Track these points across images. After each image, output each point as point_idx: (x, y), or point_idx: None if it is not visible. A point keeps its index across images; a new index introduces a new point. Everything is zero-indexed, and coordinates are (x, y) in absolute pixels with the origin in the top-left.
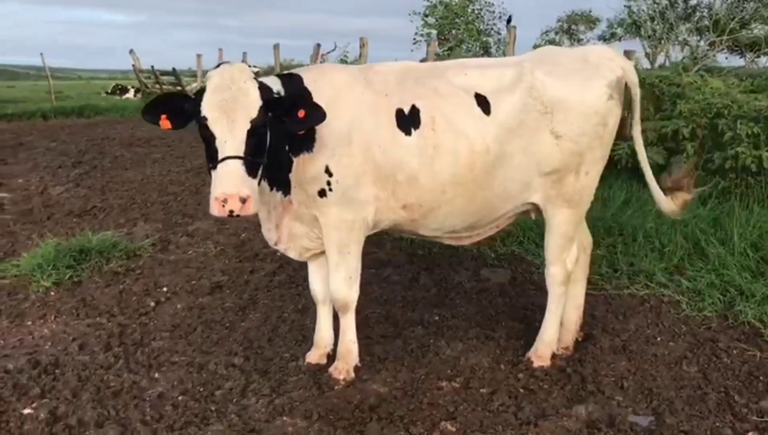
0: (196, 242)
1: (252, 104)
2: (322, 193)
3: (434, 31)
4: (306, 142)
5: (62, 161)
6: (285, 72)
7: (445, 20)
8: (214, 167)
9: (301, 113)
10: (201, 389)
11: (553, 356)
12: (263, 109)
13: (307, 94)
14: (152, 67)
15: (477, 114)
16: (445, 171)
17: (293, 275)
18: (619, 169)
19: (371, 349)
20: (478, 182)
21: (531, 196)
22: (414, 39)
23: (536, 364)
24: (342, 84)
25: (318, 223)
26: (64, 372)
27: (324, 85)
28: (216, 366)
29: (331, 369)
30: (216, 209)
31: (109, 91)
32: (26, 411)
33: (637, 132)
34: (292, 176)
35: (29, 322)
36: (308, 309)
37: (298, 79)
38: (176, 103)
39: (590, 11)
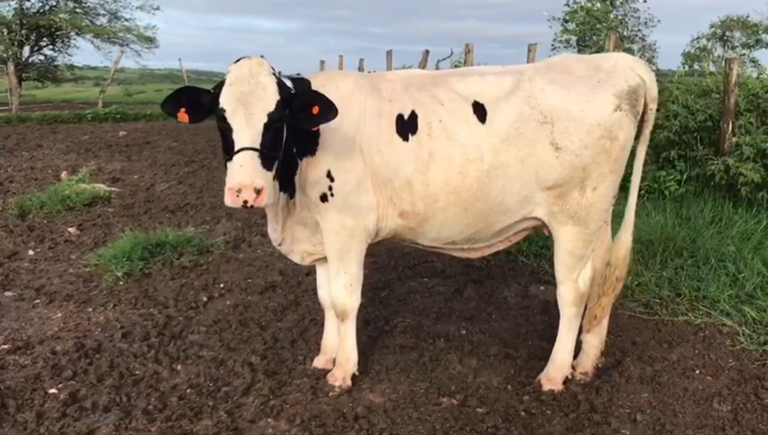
0: (268, 242)
1: (269, 98)
2: (323, 198)
3: (574, 38)
4: (310, 145)
5: (177, 160)
6: (294, 76)
7: (585, 26)
8: (230, 159)
9: (316, 109)
10: (210, 385)
11: (568, 381)
12: (280, 104)
13: (321, 94)
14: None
15: (472, 121)
16: (438, 178)
17: None
18: (713, 186)
19: (383, 359)
20: (472, 192)
21: (534, 210)
22: (552, 45)
23: (546, 387)
24: (347, 90)
25: (320, 228)
26: (101, 357)
27: (330, 91)
28: (234, 363)
29: (328, 375)
30: (230, 199)
31: None
32: (51, 390)
33: (642, 149)
34: (296, 179)
35: (91, 309)
36: None
37: (306, 84)
38: (195, 97)
39: (747, 16)
